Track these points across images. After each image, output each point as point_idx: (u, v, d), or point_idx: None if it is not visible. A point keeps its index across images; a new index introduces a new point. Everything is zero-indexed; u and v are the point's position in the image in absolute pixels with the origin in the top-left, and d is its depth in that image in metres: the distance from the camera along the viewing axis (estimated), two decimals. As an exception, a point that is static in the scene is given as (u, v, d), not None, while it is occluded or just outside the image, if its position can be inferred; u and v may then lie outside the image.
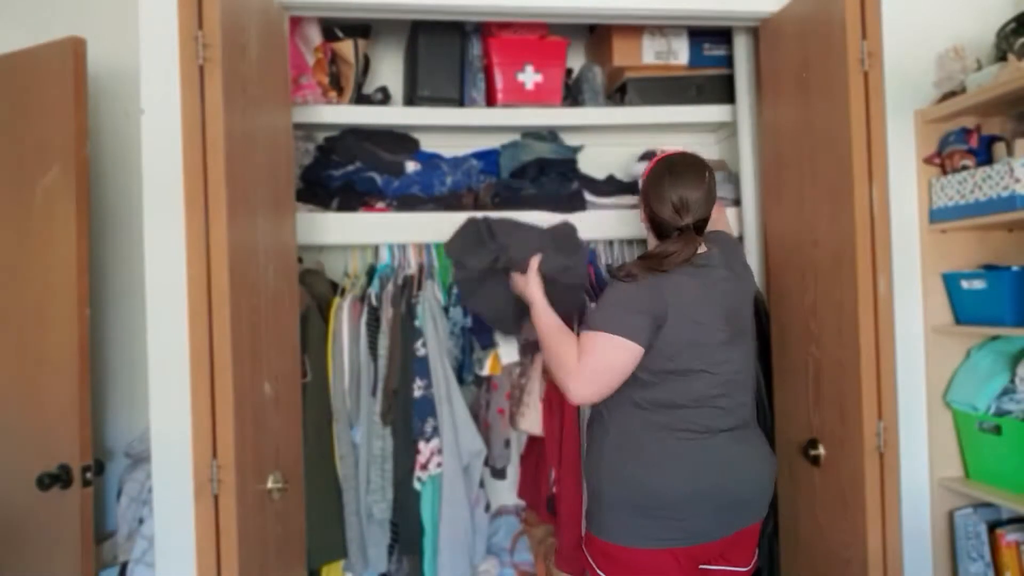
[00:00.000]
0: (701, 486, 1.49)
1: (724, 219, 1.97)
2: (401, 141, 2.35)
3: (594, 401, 1.57)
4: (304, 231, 2.04)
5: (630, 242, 2.41)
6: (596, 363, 1.49)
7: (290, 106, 1.96)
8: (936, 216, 1.83)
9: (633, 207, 2.36)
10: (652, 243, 1.66)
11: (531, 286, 1.74)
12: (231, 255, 1.48)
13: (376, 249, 2.25)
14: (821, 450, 1.82)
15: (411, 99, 2.30)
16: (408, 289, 2.10)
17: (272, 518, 1.66)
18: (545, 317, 1.68)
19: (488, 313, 1.95)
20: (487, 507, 2.21)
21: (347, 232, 2.15)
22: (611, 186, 2.36)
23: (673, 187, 1.54)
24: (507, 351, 2.11)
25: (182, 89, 1.49)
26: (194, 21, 1.48)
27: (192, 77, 1.48)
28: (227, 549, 1.46)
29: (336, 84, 2.23)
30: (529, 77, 2.27)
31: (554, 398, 2.11)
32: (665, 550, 1.48)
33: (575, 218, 2.06)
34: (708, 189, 1.56)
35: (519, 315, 1.88)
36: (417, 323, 2.04)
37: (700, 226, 1.57)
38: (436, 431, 2.00)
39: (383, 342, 2.03)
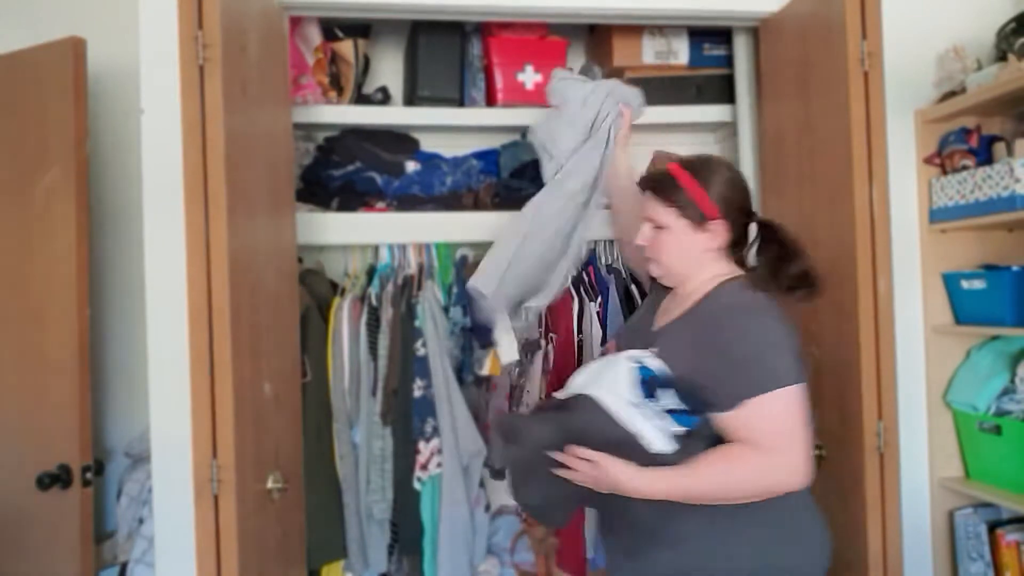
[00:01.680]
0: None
1: None
2: (401, 141, 2.34)
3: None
4: (304, 231, 2.04)
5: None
6: (800, 426, 1.17)
7: (290, 106, 1.96)
8: (936, 216, 1.83)
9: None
10: (718, 259, 1.35)
11: (607, 469, 1.21)
12: (231, 255, 1.48)
13: (376, 249, 2.25)
14: (821, 450, 1.82)
15: (411, 99, 2.30)
16: (408, 289, 2.10)
17: (272, 518, 1.65)
18: (658, 484, 1.20)
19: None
20: (487, 507, 2.21)
21: (347, 232, 2.14)
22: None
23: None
24: (506, 351, 2.11)
25: (182, 89, 1.48)
26: (194, 21, 1.48)
27: (192, 77, 1.48)
28: (227, 549, 1.46)
29: (336, 84, 2.22)
30: (529, 77, 2.27)
31: (554, 398, 2.11)
32: None
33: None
34: None
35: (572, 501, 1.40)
36: (417, 323, 2.03)
37: None
38: (436, 431, 2.00)
39: (383, 342, 2.03)
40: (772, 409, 1.16)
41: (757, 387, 1.16)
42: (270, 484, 1.62)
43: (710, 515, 1.21)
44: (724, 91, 2.39)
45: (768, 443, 1.15)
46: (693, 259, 1.34)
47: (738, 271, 1.34)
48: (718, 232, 1.32)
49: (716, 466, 1.18)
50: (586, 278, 2.21)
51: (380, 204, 2.20)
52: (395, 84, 2.42)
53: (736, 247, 1.34)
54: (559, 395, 1.35)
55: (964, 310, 1.82)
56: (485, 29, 2.30)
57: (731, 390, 1.18)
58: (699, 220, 1.31)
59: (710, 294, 1.30)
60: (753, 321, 1.23)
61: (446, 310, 2.13)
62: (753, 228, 1.33)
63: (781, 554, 1.22)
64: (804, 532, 1.27)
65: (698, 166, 1.35)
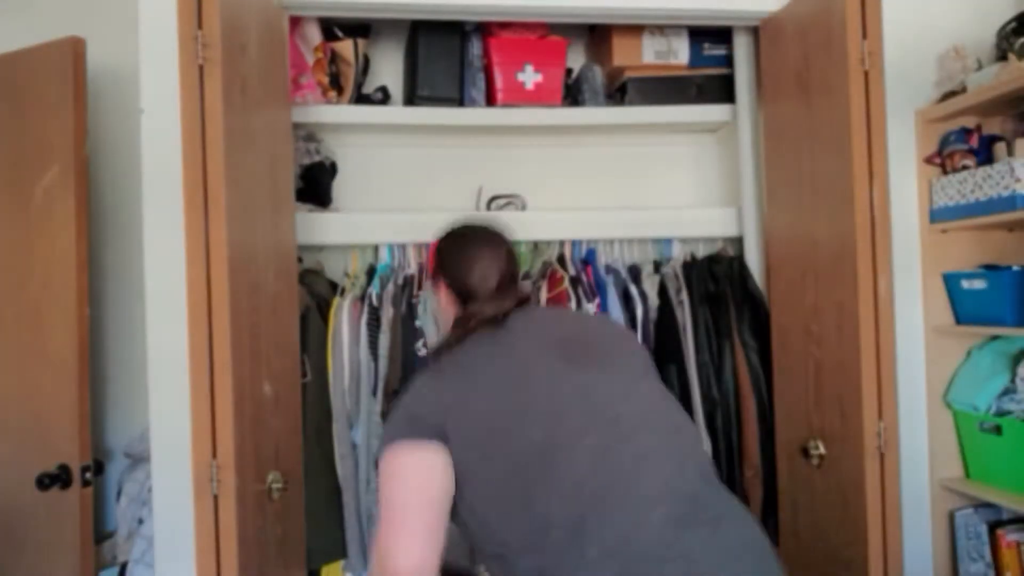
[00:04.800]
0: None
1: None
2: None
3: None
4: (304, 231, 2.04)
5: (629, 242, 2.41)
6: (395, 495, 1.07)
7: (290, 106, 1.96)
8: (936, 216, 1.83)
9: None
10: None
11: None
12: (231, 255, 1.48)
13: (376, 249, 2.24)
14: (821, 450, 1.82)
15: (411, 99, 2.30)
16: (408, 289, 2.10)
17: (272, 518, 1.65)
18: None
19: None
20: (487, 507, 2.21)
21: (347, 232, 2.14)
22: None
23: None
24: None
25: (181, 89, 1.48)
26: (194, 21, 1.48)
27: (192, 77, 1.48)
28: (227, 549, 1.46)
29: (336, 84, 2.22)
30: (529, 77, 2.26)
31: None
32: None
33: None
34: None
35: None
36: (417, 323, 2.03)
37: None
38: (436, 431, 2.00)
39: (383, 342, 2.03)
40: (381, 475, 1.03)
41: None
42: (270, 484, 1.62)
43: None
44: (724, 91, 2.39)
45: (380, 516, 1.00)
46: (443, 320, 1.36)
47: None
48: (440, 288, 1.35)
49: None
50: (584, 278, 2.21)
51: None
52: (395, 84, 2.42)
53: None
54: None
55: (964, 310, 1.82)
56: (485, 29, 2.30)
57: None
58: (433, 279, 1.38)
59: None
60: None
61: (446, 310, 2.14)
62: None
63: None
64: None
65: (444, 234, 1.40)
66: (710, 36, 2.38)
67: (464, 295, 1.28)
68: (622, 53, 2.34)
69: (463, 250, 1.34)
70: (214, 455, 1.47)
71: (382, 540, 0.98)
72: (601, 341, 1.25)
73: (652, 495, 0.98)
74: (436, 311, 1.40)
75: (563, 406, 1.06)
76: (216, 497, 1.47)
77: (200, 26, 1.48)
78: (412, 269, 2.16)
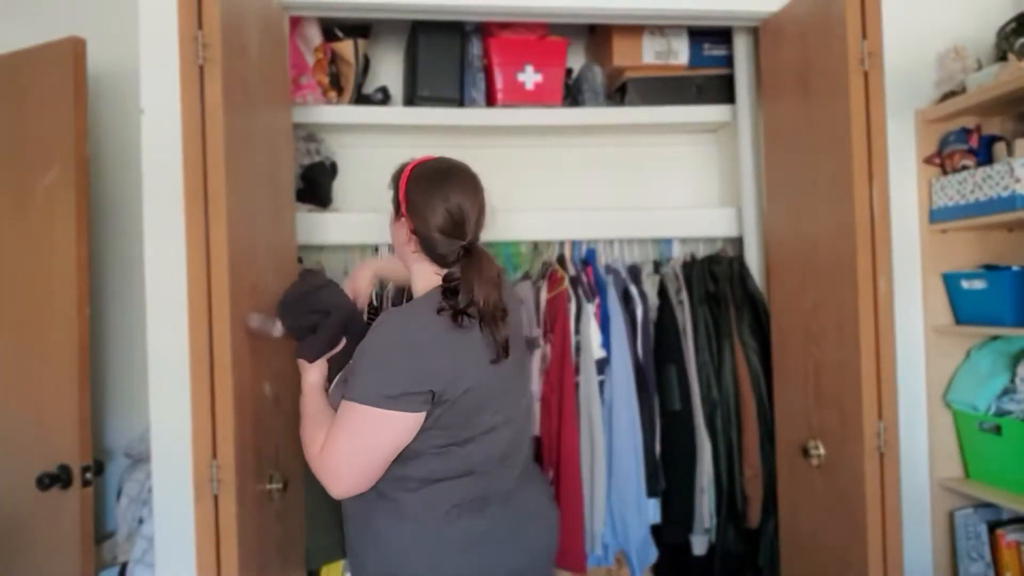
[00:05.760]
0: None
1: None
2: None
3: None
4: (304, 231, 2.04)
5: (629, 242, 2.41)
6: (347, 442, 1.28)
7: (290, 106, 1.96)
8: (936, 216, 1.83)
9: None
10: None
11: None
12: (231, 255, 1.48)
13: (376, 249, 2.25)
14: (821, 450, 1.82)
15: (411, 99, 2.30)
16: (408, 289, 2.10)
17: (271, 518, 1.66)
18: (308, 399, 1.38)
19: None
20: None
21: (347, 232, 2.14)
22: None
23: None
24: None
25: (182, 89, 1.48)
26: (194, 21, 1.48)
27: (192, 77, 1.48)
28: (226, 549, 1.46)
29: (336, 84, 2.23)
30: (529, 77, 2.27)
31: (552, 399, 2.11)
32: None
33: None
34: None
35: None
36: (417, 323, 2.03)
37: None
38: (436, 431, 2.00)
39: (383, 342, 2.03)
40: (343, 416, 1.22)
41: (348, 392, 1.22)
42: (269, 484, 1.62)
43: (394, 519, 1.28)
44: (724, 91, 2.39)
45: (327, 440, 1.24)
46: (399, 253, 1.42)
47: (436, 281, 1.32)
48: (403, 227, 1.36)
49: (308, 425, 1.31)
50: (584, 278, 2.21)
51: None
52: (395, 84, 2.42)
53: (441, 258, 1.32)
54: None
55: (964, 310, 1.82)
56: (485, 29, 2.30)
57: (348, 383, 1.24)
58: (396, 212, 1.38)
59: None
60: (385, 329, 1.23)
61: (446, 310, 2.13)
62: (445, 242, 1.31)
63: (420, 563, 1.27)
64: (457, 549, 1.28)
65: (416, 166, 1.38)
66: (710, 36, 2.38)
67: (433, 253, 1.32)
68: (622, 53, 2.34)
69: (443, 196, 1.31)
70: (214, 455, 1.47)
71: (333, 460, 1.22)
72: (517, 332, 1.41)
73: (519, 459, 1.39)
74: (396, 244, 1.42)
75: (502, 393, 1.32)
76: (216, 497, 1.47)
77: (200, 26, 1.48)
78: (412, 269, 2.16)
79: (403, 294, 2.08)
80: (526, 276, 2.33)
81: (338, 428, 1.22)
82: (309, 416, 1.34)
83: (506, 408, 1.33)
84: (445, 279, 1.28)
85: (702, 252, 2.38)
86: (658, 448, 2.17)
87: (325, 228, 2.11)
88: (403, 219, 1.35)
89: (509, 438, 1.33)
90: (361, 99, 2.29)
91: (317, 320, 1.43)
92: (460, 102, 2.29)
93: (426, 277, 1.35)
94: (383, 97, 2.32)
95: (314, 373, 1.41)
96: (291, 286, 1.49)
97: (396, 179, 1.38)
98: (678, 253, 2.38)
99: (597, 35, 2.48)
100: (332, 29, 2.24)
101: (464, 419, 1.25)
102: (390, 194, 1.41)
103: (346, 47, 2.22)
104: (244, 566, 1.48)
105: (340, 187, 2.32)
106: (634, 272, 2.30)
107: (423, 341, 1.22)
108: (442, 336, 1.22)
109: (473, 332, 1.25)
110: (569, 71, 2.41)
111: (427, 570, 1.25)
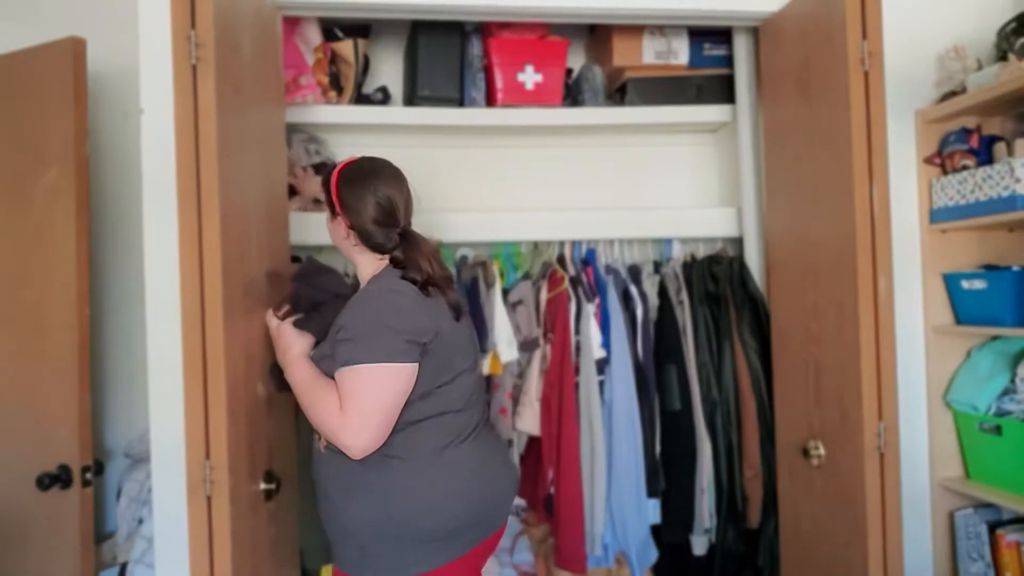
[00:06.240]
0: None
1: None
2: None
3: None
4: (300, 231, 2.04)
5: (629, 242, 2.41)
6: (365, 400, 1.39)
7: (284, 105, 1.96)
8: (936, 216, 1.83)
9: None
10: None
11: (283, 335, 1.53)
12: (224, 255, 1.47)
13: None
14: (821, 450, 1.82)
15: (411, 99, 2.30)
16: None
17: (265, 518, 1.65)
18: (298, 371, 1.48)
19: None
20: (487, 507, 2.21)
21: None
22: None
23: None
24: (506, 350, 2.11)
25: (175, 88, 1.48)
26: (187, 21, 1.48)
27: (185, 76, 1.48)
28: (220, 549, 1.47)
29: (336, 84, 2.23)
30: (529, 77, 2.27)
31: (552, 399, 2.11)
32: None
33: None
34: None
35: None
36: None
37: None
38: (436, 431, 2.00)
39: (383, 342, 2.03)
40: (350, 381, 1.32)
41: (342, 361, 1.33)
42: (263, 485, 1.62)
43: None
44: (724, 91, 2.39)
45: (344, 404, 1.32)
46: (339, 243, 1.54)
47: (382, 266, 1.47)
48: (340, 224, 1.49)
49: (317, 391, 1.39)
50: (584, 278, 2.21)
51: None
52: (395, 84, 2.43)
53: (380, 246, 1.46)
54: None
55: (964, 310, 1.82)
56: (485, 29, 2.30)
57: (337, 356, 1.36)
58: (331, 212, 1.52)
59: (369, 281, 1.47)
60: (367, 302, 1.38)
61: (446, 310, 2.13)
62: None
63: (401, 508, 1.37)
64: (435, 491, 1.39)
65: (342, 168, 1.50)
66: (710, 36, 2.38)
67: (371, 243, 1.45)
68: (622, 53, 2.34)
69: (372, 191, 1.44)
70: (207, 456, 1.47)
71: (358, 418, 1.30)
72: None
73: (481, 401, 1.56)
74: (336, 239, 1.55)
75: (466, 343, 1.50)
76: (209, 498, 1.47)
77: (193, 25, 1.48)
78: (412, 269, 2.16)
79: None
80: (526, 276, 2.33)
81: (352, 391, 1.32)
82: (308, 381, 1.43)
83: (470, 356, 1.49)
84: (392, 262, 1.44)
85: (702, 252, 2.38)
86: (658, 448, 2.17)
87: (321, 228, 2.10)
88: (339, 217, 1.48)
89: (474, 381, 1.50)
90: (361, 99, 2.29)
91: (324, 298, 1.54)
92: (460, 102, 2.29)
93: (371, 264, 1.48)
94: (383, 97, 2.32)
95: (303, 343, 1.51)
96: (307, 259, 1.67)
97: (326, 182, 1.51)
98: (678, 253, 2.38)
99: (597, 35, 2.48)
100: (332, 29, 2.24)
101: (442, 365, 1.40)
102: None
103: (346, 47, 2.22)
104: (237, 566, 1.48)
105: (340, 187, 2.32)
106: (634, 272, 2.30)
107: (407, 303, 1.36)
108: (419, 299, 1.38)
109: (436, 297, 1.42)
110: (569, 71, 2.41)
111: (417, 503, 1.36)
